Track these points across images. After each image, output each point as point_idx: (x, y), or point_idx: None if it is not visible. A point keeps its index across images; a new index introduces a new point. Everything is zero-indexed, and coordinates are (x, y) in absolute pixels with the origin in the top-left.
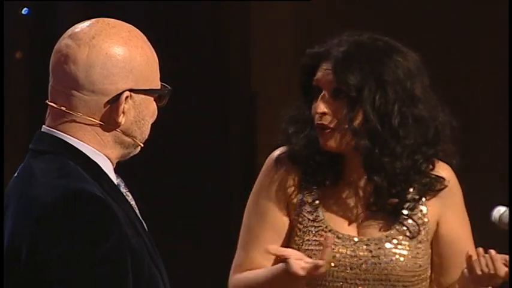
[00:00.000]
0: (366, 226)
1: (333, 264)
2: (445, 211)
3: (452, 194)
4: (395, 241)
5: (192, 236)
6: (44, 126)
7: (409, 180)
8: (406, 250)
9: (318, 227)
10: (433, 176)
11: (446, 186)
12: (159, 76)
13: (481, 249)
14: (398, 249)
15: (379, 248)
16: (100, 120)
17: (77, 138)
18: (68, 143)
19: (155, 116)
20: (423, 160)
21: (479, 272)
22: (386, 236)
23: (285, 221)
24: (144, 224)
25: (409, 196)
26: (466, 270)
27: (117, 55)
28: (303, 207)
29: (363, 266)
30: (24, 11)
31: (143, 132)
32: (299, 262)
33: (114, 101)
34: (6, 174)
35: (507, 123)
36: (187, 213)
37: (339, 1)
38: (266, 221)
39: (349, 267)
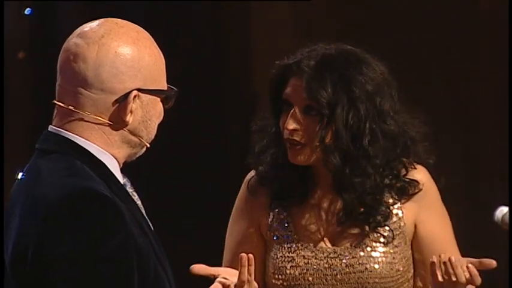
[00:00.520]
0: (338, 237)
1: (310, 278)
2: (421, 212)
3: (428, 195)
4: (369, 248)
5: (192, 235)
6: (50, 125)
7: (379, 193)
8: (381, 256)
9: (291, 242)
10: (407, 180)
11: (420, 189)
12: (165, 77)
13: (442, 256)
14: (373, 257)
15: (353, 257)
16: (108, 120)
17: (83, 138)
18: (75, 143)
19: (161, 117)
20: (392, 175)
21: (440, 279)
22: (360, 245)
23: (257, 242)
24: (150, 224)
25: (382, 209)
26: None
27: (126, 54)
28: (274, 225)
29: (338, 276)
30: (27, 11)
31: (150, 132)
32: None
33: (122, 100)
34: (7, 174)
35: (507, 124)
36: (188, 213)
37: (339, 1)
38: (242, 242)
39: (325, 279)
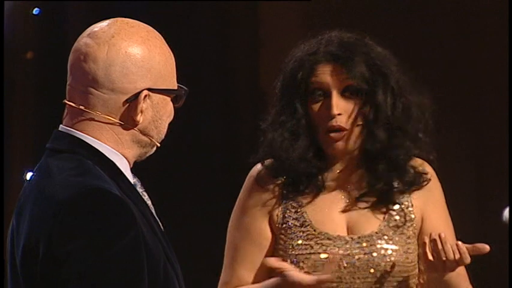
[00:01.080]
0: (354, 224)
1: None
2: (427, 206)
3: (434, 190)
4: (386, 237)
5: (201, 234)
6: (61, 125)
7: (403, 169)
8: (398, 245)
9: (306, 231)
10: (416, 172)
11: (429, 180)
12: (175, 77)
13: (433, 234)
14: (390, 245)
15: (371, 245)
16: (118, 119)
17: (94, 137)
18: (85, 142)
19: (172, 117)
20: (415, 148)
21: (430, 257)
22: (377, 233)
23: (268, 236)
24: (160, 223)
25: (395, 191)
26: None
27: (136, 54)
28: (287, 216)
29: (357, 264)
30: (35, 11)
31: (160, 131)
32: (300, 275)
33: (133, 100)
34: (15, 172)
35: (507, 124)
36: (197, 212)
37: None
38: (250, 238)
39: (343, 267)
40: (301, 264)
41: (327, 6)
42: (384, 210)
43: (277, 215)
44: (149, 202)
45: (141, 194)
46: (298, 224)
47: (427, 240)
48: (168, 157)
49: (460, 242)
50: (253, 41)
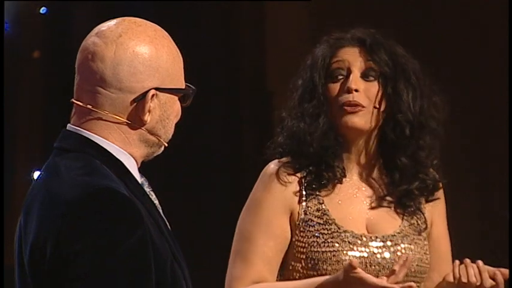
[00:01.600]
0: (375, 223)
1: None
2: (435, 213)
3: (441, 198)
4: (408, 237)
5: (208, 234)
6: (69, 124)
7: (423, 172)
8: (419, 246)
9: (330, 229)
10: (432, 175)
11: (441, 187)
12: (183, 76)
13: (468, 260)
14: (412, 245)
15: (395, 244)
16: (126, 119)
17: (102, 137)
18: (93, 142)
19: (179, 116)
20: (435, 155)
21: (464, 281)
22: (399, 232)
23: (288, 233)
24: (167, 223)
25: (416, 192)
26: (449, 276)
27: (144, 53)
28: (308, 213)
29: (382, 263)
30: (42, 10)
31: (167, 131)
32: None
33: (140, 99)
34: (22, 171)
35: (507, 125)
36: (204, 212)
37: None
38: (270, 231)
39: (369, 265)
40: (327, 261)
41: (332, 6)
42: (402, 210)
43: (298, 212)
44: (156, 202)
45: (148, 193)
46: (321, 222)
47: (457, 262)
48: (175, 157)
49: (498, 272)
50: (259, 41)
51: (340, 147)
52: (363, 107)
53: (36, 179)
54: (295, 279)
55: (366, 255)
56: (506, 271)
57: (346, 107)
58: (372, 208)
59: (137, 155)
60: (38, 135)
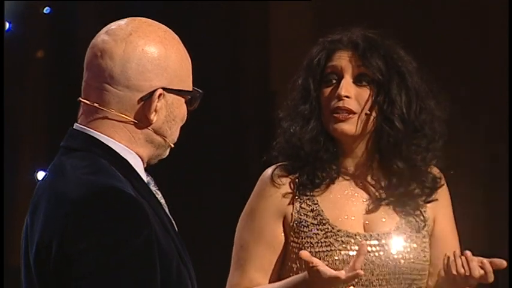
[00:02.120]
0: (371, 221)
1: (346, 263)
2: (439, 211)
3: (444, 196)
4: (404, 235)
5: (214, 233)
6: (76, 123)
7: (420, 173)
8: (415, 243)
9: (325, 229)
10: (433, 177)
11: (443, 185)
12: (191, 79)
13: (457, 251)
14: (408, 243)
15: (390, 242)
16: (132, 118)
17: (108, 136)
18: (100, 141)
19: (185, 119)
20: (433, 156)
21: (454, 272)
22: (394, 230)
23: (281, 238)
24: (174, 223)
25: (416, 192)
26: (442, 271)
27: (153, 52)
28: (302, 214)
29: (376, 261)
30: (46, 10)
31: (173, 133)
32: (331, 270)
33: (147, 98)
34: (25, 171)
35: (507, 125)
36: (209, 212)
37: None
38: (263, 239)
39: (363, 264)
40: (321, 261)
41: (336, 6)
42: (400, 208)
43: (291, 214)
44: (163, 201)
45: (154, 192)
46: (315, 222)
47: (450, 254)
48: (178, 156)
49: (486, 261)
50: (262, 41)
51: (333, 150)
52: (354, 113)
53: (43, 178)
54: None
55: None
56: (500, 261)
57: (336, 114)
58: (369, 207)
59: (143, 154)
60: (41, 135)
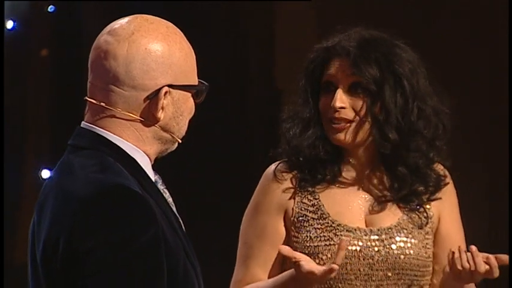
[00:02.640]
0: (373, 217)
1: (346, 258)
2: (444, 209)
3: (450, 194)
4: (405, 231)
5: (220, 232)
6: (83, 122)
7: (423, 174)
8: (416, 239)
9: (325, 223)
10: (435, 174)
11: (448, 183)
12: (196, 72)
13: (463, 246)
14: (409, 239)
15: (390, 238)
16: (139, 116)
17: (115, 134)
18: (107, 139)
19: (192, 112)
20: (436, 154)
21: (459, 268)
22: (396, 226)
23: (283, 234)
24: (181, 221)
25: (420, 189)
26: (447, 267)
27: (156, 50)
28: (303, 209)
29: (376, 256)
30: (50, 8)
31: (181, 128)
32: (312, 264)
33: (153, 97)
34: (30, 170)
35: (507, 125)
36: (216, 210)
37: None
38: (265, 235)
39: (362, 259)
40: (320, 255)
41: (340, 6)
42: (403, 204)
43: (292, 209)
44: (170, 200)
45: (162, 191)
46: (315, 217)
47: (455, 249)
48: (188, 155)
49: (491, 256)
50: (268, 40)
51: (334, 153)
52: (350, 122)
53: (50, 177)
54: None
55: (359, 248)
56: (505, 257)
57: (332, 125)
58: (371, 202)
59: (151, 152)
60: (45, 133)
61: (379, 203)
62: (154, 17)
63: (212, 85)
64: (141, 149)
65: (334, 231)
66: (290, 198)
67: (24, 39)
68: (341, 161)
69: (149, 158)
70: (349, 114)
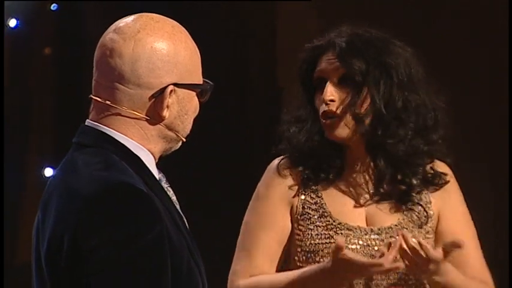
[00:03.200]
0: (373, 216)
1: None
2: (445, 208)
3: (452, 192)
4: (405, 229)
5: (224, 230)
6: (87, 120)
7: (412, 164)
8: (417, 238)
9: (326, 221)
10: (434, 172)
11: (448, 181)
12: (201, 71)
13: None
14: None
15: (390, 237)
16: (144, 114)
17: (120, 132)
18: (112, 137)
19: (197, 111)
20: (424, 144)
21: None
22: (396, 225)
23: (287, 226)
24: (185, 219)
25: (415, 183)
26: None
27: (162, 49)
28: (306, 206)
29: (376, 255)
30: (53, 6)
31: (186, 126)
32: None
33: (159, 95)
34: (33, 167)
35: (507, 124)
36: (219, 209)
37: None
38: (269, 227)
39: (362, 257)
40: (320, 253)
41: (342, 5)
42: (403, 204)
43: (296, 206)
44: (174, 198)
45: (166, 189)
46: (317, 215)
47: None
48: (192, 154)
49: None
50: (269, 38)
51: (333, 149)
52: (340, 116)
53: (54, 174)
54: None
55: (359, 247)
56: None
57: (324, 120)
58: (372, 201)
59: (155, 150)
60: (48, 131)
61: (380, 202)
62: (159, 15)
63: (215, 85)
64: (145, 147)
65: (335, 229)
66: (294, 196)
67: (28, 37)
68: (342, 158)
69: (154, 156)
70: (337, 107)
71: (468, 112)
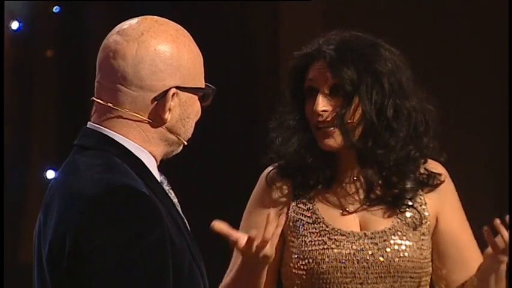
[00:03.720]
0: (367, 220)
1: (343, 261)
2: (442, 207)
3: (447, 191)
4: (399, 233)
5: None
6: (89, 122)
7: (405, 171)
8: (411, 241)
9: (319, 228)
10: (428, 172)
11: (442, 181)
12: (203, 75)
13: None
14: (403, 241)
15: (384, 241)
16: (146, 117)
17: (122, 135)
18: (113, 139)
19: (199, 115)
20: (416, 151)
21: (502, 246)
22: (390, 228)
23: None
24: (186, 222)
25: (408, 187)
26: (489, 249)
27: (165, 52)
28: (299, 213)
29: (370, 259)
30: (56, 9)
31: (187, 130)
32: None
33: (161, 98)
34: (35, 171)
35: (507, 124)
36: (220, 211)
37: (368, 0)
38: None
39: (357, 262)
40: (315, 259)
41: (346, 6)
42: (396, 207)
43: (288, 214)
44: (175, 200)
45: (167, 192)
46: (310, 221)
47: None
48: (194, 156)
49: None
50: (273, 40)
51: (324, 158)
52: (332, 126)
53: (56, 177)
54: (291, 277)
55: (352, 252)
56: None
57: (317, 131)
58: (366, 206)
59: (157, 153)
60: (50, 133)
61: (373, 206)
62: (163, 18)
63: (217, 87)
64: (147, 149)
65: (328, 235)
66: (285, 204)
67: (30, 39)
68: (334, 165)
69: (155, 158)
70: (329, 117)
71: (468, 112)
